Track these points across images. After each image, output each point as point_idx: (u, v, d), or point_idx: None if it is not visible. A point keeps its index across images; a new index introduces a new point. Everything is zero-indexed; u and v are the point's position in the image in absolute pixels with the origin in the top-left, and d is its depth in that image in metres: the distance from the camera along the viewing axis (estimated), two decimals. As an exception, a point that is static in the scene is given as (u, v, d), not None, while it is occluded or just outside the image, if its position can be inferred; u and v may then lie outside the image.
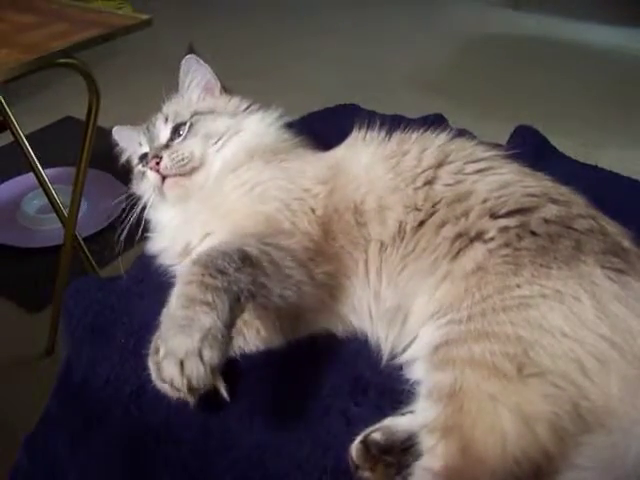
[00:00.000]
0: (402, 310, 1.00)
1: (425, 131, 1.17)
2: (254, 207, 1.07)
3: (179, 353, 0.80)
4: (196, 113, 1.24)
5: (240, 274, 0.87)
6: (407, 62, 3.74)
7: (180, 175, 1.18)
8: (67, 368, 1.10)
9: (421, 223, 1.02)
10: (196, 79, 1.28)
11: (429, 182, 1.06)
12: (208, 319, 0.81)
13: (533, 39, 4.00)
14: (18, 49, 1.31)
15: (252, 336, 1.04)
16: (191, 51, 1.26)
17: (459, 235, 0.98)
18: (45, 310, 2.16)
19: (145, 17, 1.61)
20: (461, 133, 1.19)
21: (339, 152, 1.19)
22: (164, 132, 1.24)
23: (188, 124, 1.22)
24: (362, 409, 0.93)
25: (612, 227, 1.00)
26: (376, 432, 0.88)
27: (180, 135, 1.22)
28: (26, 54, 1.30)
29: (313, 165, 1.15)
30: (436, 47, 3.96)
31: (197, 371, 0.79)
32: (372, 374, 0.95)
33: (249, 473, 0.91)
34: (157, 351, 0.89)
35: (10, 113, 2.06)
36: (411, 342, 0.98)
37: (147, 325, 1.06)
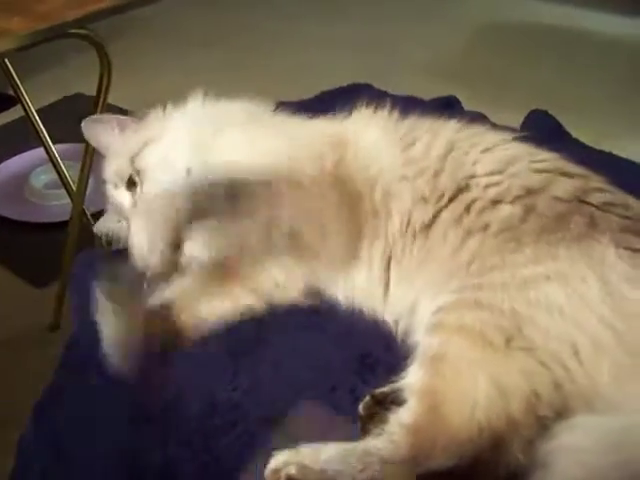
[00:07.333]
0: (411, 306, 1.00)
1: (439, 117, 1.14)
2: None
3: None
4: (134, 156, 1.16)
5: None
6: (421, 48, 3.70)
7: None
8: (74, 339, 1.10)
9: (429, 224, 1.00)
10: (106, 134, 1.25)
11: (436, 173, 1.03)
12: None
13: (548, 27, 3.96)
14: (31, 17, 1.29)
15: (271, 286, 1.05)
16: (79, 121, 1.24)
17: (463, 238, 0.97)
18: (51, 285, 2.16)
19: (160, -11, 1.59)
20: (476, 117, 1.18)
21: (344, 125, 1.16)
22: (125, 198, 1.22)
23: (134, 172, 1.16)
24: (370, 387, 0.93)
25: (636, 203, 0.97)
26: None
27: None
28: (38, 23, 1.29)
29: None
30: (451, 34, 3.92)
31: None
32: (380, 352, 0.95)
33: (254, 449, 0.90)
34: None
35: (22, 87, 2.05)
36: (417, 326, 0.97)
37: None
